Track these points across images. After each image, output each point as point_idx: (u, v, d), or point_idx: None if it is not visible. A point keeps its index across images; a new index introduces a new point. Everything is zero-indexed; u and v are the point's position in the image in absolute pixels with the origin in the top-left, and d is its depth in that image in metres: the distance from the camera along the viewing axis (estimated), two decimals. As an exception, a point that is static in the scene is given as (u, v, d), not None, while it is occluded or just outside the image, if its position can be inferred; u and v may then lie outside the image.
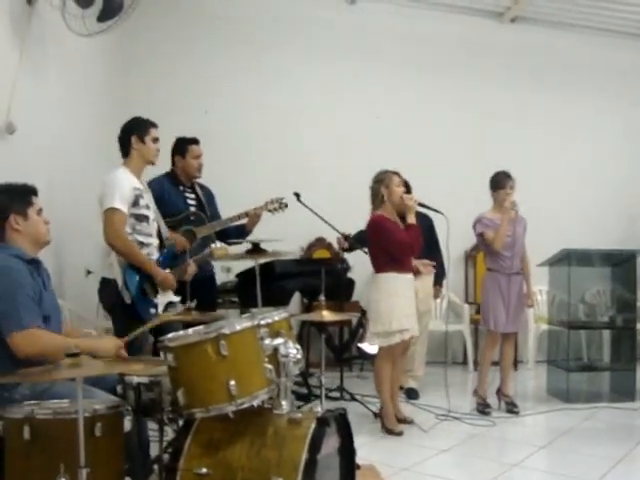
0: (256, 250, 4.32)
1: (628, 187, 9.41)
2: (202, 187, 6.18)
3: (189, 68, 8.27)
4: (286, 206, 6.00)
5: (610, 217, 9.29)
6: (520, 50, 9.28)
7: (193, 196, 6.06)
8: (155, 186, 5.72)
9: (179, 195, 5.98)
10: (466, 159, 8.67)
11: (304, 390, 6.60)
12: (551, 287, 7.53)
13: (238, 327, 3.22)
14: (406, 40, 8.92)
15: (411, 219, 5.70)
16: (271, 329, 3.33)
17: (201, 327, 3.35)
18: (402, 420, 5.92)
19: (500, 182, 6.43)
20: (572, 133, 9.44)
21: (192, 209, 5.96)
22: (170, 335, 3.33)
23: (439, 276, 6.97)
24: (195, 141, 6.05)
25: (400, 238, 5.63)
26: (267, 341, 3.27)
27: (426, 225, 6.59)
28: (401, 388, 6.74)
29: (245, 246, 4.61)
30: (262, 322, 3.29)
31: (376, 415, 6.02)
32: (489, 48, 9.21)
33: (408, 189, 6.22)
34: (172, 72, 8.18)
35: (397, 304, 5.63)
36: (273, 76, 8.50)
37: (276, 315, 3.45)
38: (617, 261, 7.40)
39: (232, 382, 3.12)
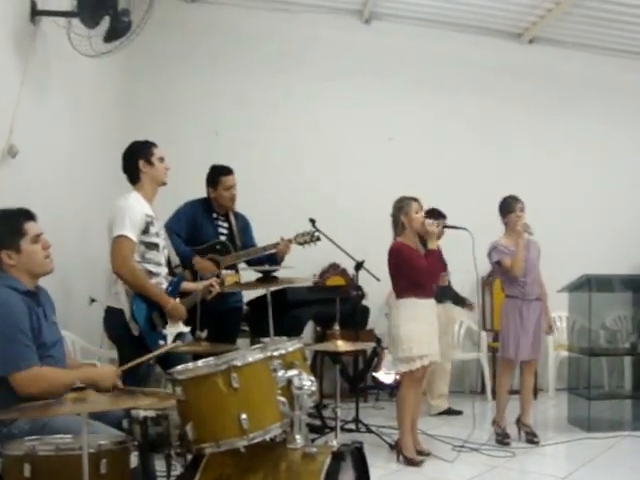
0: (267, 278, 4.23)
1: None
2: (237, 216, 6.16)
3: (199, 89, 8.25)
4: (318, 239, 5.99)
5: (631, 241, 9.17)
6: (538, 71, 9.24)
7: (226, 225, 6.06)
8: (188, 210, 5.74)
9: (211, 223, 5.99)
10: (482, 183, 8.60)
11: (318, 422, 6.48)
12: (571, 313, 7.42)
13: (250, 359, 3.13)
14: (421, 61, 8.91)
15: (431, 244, 5.68)
16: (284, 360, 3.25)
17: (211, 359, 3.27)
18: (420, 452, 5.83)
19: (509, 206, 6.40)
20: (590, 156, 9.36)
21: (222, 238, 5.94)
22: (179, 367, 3.25)
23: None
24: (227, 171, 6.01)
25: (419, 265, 5.63)
26: (280, 373, 3.18)
27: None
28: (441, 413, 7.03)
29: (256, 274, 4.56)
30: (275, 353, 3.21)
31: (392, 447, 5.93)
32: (507, 69, 9.17)
33: (439, 215, 6.30)
34: (181, 93, 8.17)
35: (417, 329, 5.59)
36: (285, 97, 8.47)
37: (289, 346, 3.37)
38: (638, 285, 7.32)
39: (244, 416, 3.03)
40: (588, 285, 6.90)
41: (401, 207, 5.77)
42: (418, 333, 5.58)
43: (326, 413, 6.67)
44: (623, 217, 9.16)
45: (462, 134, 8.96)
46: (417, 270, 5.62)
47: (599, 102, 9.38)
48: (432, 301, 5.80)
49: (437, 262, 5.72)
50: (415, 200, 5.80)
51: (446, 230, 6.00)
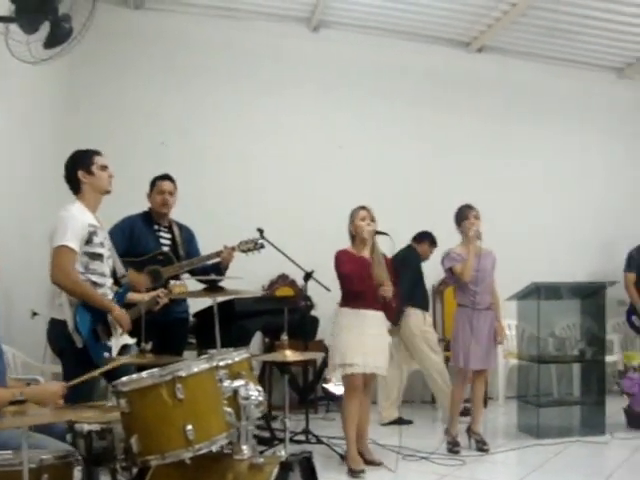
0: (214, 288, 4.21)
1: (599, 218, 9.59)
2: (181, 227, 6.13)
3: (146, 98, 8.16)
4: (262, 247, 5.97)
5: (587, 249, 9.44)
6: (487, 80, 9.40)
7: (168, 236, 6.01)
8: (127, 224, 5.74)
9: (152, 234, 5.94)
10: (432, 191, 8.68)
11: (267, 434, 6.46)
12: (520, 321, 7.49)
13: (195, 369, 3.12)
14: (370, 69, 8.97)
15: (364, 252, 5.76)
16: (230, 370, 3.25)
17: (156, 370, 3.24)
18: (370, 462, 5.83)
19: (463, 214, 6.46)
20: (540, 162, 9.55)
21: (165, 249, 5.89)
22: (123, 379, 3.22)
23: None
24: (163, 177, 6.00)
25: (342, 270, 5.67)
26: (226, 383, 3.19)
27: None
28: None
29: (203, 285, 4.53)
30: (221, 363, 3.21)
31: (343, 457, 5.91)
32: (456, 77, 9.30)
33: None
34: (127, 102, 8.08)
35: (351, 339, 5.60)
36: (233, 106, 8.43)
37: (236, 356, 3.38)
38: (586, 293, 7.41)
39: (189, 427, 3.01)
40: (537, 293, 6.99)
41: (350, 215, 5.83)
42: (349, 342, 5.59)
43: (275, 424, 6.68)
44: (577, 224, 9.33)
45: (412, 142, 9.03)
46: (341, 276, 5.69)
47: (547, 110, 9.59)
48: (374, 312, 5.74)
49: (365, 270, 5.67)
50: (362, 208, 5.82)
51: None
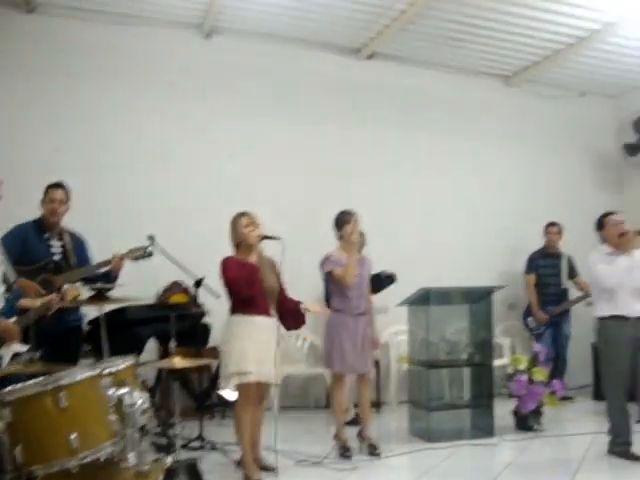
0: (100, 297, 4.21)
1: (496, 225, 9.93)
2: (73, 235, 6.08)
3: (37, 103, 7.99)
4: (151, 254, 5.96)
5: (487, 254, 9.74)
6: (377, 86, 9.56)
7: (59, 244, 5.95)
8: (16, 233, 5.66)
9: (42, 243, 5.87)
10: (318, 196, 8.77)
11: (164, 441, 6.45)
12: (411, 326, 7.62)
13: (79, 377, 3.15)
14: (262, 76, 9.02)
15: (250, 257, 5.77)
16: (115, 378, 3.27)
17: (40, 379, 3.25)
18: (264, 467, 5.84)
19: (343, 219, 6.53)
20: (433, 172, 9.78)
21: (56, 257, 5.84)
22: (7, 389, 3.21)
23: None
24: (55, 185, 5.95)
25: (227, 276, 5.65)
26: (111, 391, 3.20)
27: None
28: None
29: (90, 293, 4.53)
30: (105, 371, 3.23)
31: (238, 463, 5.91)
32: (347, 83, 9.43)
33: None
34: (18, 107, 7.93)
35: (246, 346, 5.58)
36: (125, 112, 8.34)
37: (121, 364, 3.39)
38: (474, 298, 7.59)
39: (73, 435, 3.04)
40: (427, 298, 7.13)
41: (231, 223, 5.84)
42: (244, 350, 5.56)
43: (176, 431, 6.65)
44: (480, 230, 9.58)
45: (303, 149, 9.11)
46: (228, 282, 5.65)
47: (439, 117, 9.83)
48: (266, 319, 5.74)
49: (254, 275, 5.68)
50: (243, 215, 5.82)
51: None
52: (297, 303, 5.92)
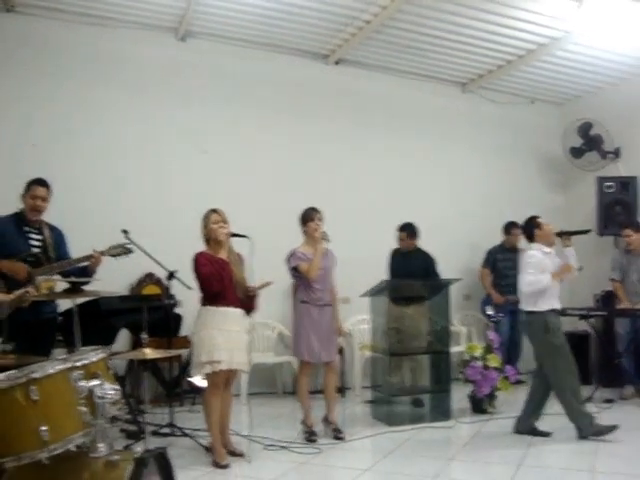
0: (74, 290, 4.07)
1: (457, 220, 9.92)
2: (52, 228, 5.91)
3: (14, 101, 7.74)
4: (130, 251, 5.84)
5: (459, 247, 9.84)
6: (344, 90, 9.51)
7: (39, 237, 5.78)
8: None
9: (22, 236, 5.69)
10: (287, 194, 8.60)
11: (134, 428, 6.30)
12: (373, 316, 7.56)
13: (50, 370, 3.01)
14: (235, 78, 8.92)
15: (221, 254, 5.73)
16: (87, 371, 3.14)
17: (11, 372, 3.09)
18: (233, 452, 5.77)
19: (308, 215, 6.49)
20: (394, 171, 9.73)
21: (35, 250, 5.67)
22: (-22, 382, 3.06)
23: None
24: (39, 182, 5.76)
25: (201, 272, 5.60)
26: (82, 383, 3.06)
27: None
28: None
29: (64, 285, 4.38)
30: (77, 364, 3.09)
31: (207, 449, 5.83)
32: (315, 87, 9.38)
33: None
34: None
35: (208, 336, 5.53)
36: (102, 111, 8.14)
37: (92, 356, 3.25)
38: (432, 290, 7.58)
39: (44, 427, 2.91)
40: (387, 290, 7.12)
41: (203, 219, 5.79)
42: (214, 340, 5.51)
43: (143, 418, 6.52)
44: (438, 228, 9.38)
45: (275, 149, 9.02)
46: (200, 277, 5.61)
47: (400, 121, 9.82)
48: (236, 310, 5.71)
49: (224, 270, 5.65)
50: (214, 211, 5.77)
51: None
52: (249, 289, 5.82)
